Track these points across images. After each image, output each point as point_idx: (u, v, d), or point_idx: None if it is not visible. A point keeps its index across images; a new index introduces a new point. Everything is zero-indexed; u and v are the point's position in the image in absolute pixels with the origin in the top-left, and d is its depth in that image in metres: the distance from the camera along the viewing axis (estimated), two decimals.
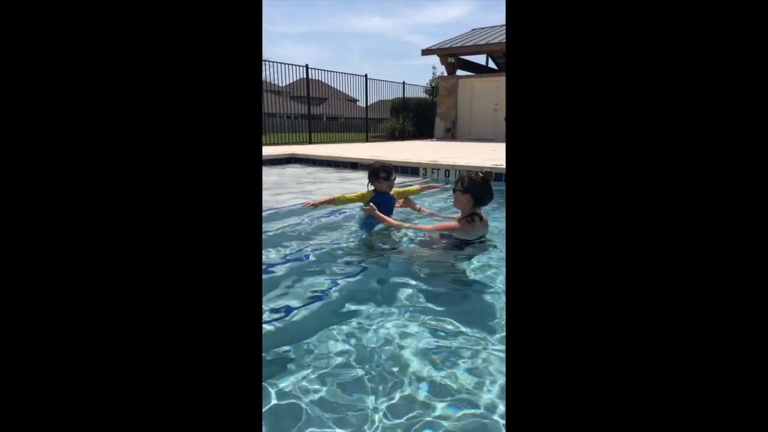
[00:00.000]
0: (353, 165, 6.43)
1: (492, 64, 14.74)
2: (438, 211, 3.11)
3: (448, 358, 1.34)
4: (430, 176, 5.59)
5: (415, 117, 14.28)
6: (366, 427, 1.05)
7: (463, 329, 1.51)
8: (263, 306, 1.66)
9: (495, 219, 2.78)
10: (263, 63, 9.79)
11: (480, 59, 14.40)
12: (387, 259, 2.29)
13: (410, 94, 15.17)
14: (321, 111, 14.88)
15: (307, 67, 11.12)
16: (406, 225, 2.61)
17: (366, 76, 12.87)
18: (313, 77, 11.55)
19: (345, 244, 2.54)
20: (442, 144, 10.59)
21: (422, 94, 16.19)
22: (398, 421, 1.07)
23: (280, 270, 2.09)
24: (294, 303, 1.72)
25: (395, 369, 1.28)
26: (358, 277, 2.07)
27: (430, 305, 1.71)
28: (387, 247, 2.46)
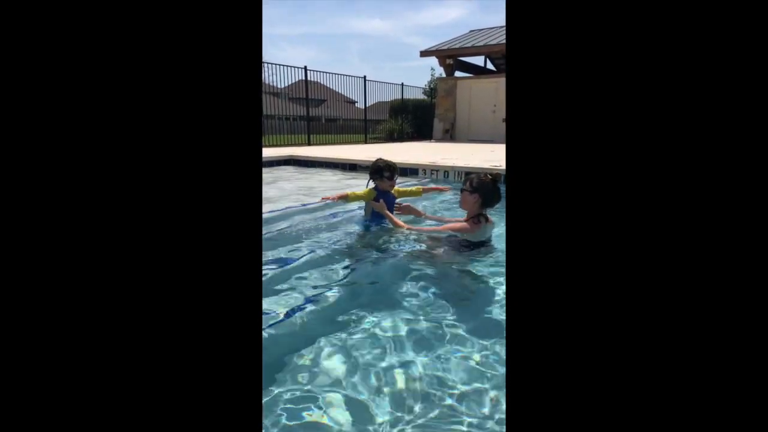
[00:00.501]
0: (352, 166, 6.44)
1: (490, 66, 14.76)
2: (441, 216, 3.09)
3: (449, 358, 1.34)
4: (430, 177, 5.60)
5: (413, 118, 14.29)
6: (366, 427, 1.06)
7: (465, 330, 1.51)
8: (263, 306, 1.65)
9: (495, 220, 2.77)
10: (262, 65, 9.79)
11: (478, 61, 14.43)
12: (388, 260, 2.29)
13: (409, 95, 15.20)
14: (320, 112, 14.87)
15: (305, 68, 11.13)
16: (414, 228, 2.58)
17: (365, 77, 12.89)
18: (312, 79, 11.57)
19: (345, 245, 2.54)
20: (441, 145, 10.60)
21: (421, 96, 16.21)
22: (398, 421, 1.07)
23: (280, 270, 2.08)
24: (294, 304, 1.72)
25: (396, 369, 1.28)
26: (359, 278, 2.07)
27: (431, 306, 1.71)
28: (388, 247, 2.46)
